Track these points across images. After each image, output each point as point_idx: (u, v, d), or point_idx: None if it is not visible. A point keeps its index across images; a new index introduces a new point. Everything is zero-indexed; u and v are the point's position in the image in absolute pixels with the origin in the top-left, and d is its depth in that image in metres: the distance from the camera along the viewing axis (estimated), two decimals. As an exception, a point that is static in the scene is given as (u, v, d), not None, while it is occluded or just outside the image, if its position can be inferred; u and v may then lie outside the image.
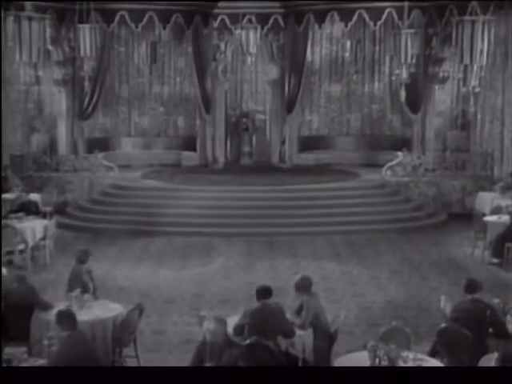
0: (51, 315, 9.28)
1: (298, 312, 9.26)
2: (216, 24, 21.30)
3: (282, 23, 21.18)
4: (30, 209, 16.16)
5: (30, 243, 14.79)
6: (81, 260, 10.64)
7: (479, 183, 19.60)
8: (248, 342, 8.21)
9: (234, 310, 10.06)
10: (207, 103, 21.97)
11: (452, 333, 8.60)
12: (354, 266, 14.97)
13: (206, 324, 8.00)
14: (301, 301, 9.31)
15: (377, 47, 22.76)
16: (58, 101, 21.50)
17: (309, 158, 22.65)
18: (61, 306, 9.66)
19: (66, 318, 7.99)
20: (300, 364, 8.68)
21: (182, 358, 9.77)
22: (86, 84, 20.39)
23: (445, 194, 19.88)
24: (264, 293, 8.90)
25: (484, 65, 18.35)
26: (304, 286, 9.31)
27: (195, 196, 19.03)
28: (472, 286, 9.10)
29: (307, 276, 9.50)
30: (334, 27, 22.47)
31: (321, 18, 20.46)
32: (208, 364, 7.85)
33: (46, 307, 9.54)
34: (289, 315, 9.08)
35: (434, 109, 21.29)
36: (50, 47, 19.88)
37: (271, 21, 20.86)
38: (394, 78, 20.93)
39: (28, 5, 18.40)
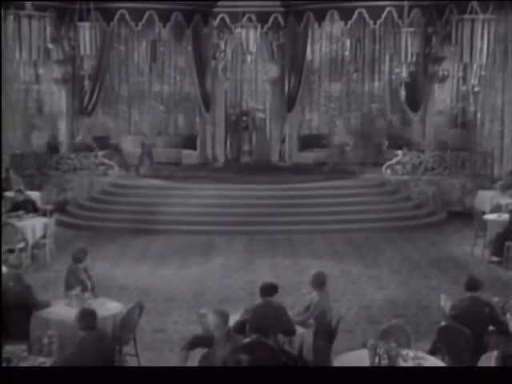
0: (51, 313, 9.32)
1: (307, 310, 9.26)
2: (216, 23, 21.28)
3: (281, 22, 21.15)
4: (26, 207, 16.13)
5: (30, 241, 14.82)
6: (78, 259, 10.64)
7: (479, 182, 19.61)
8: (248, 340, 8.21)
9: (234, 308, 10.06)
10: (207, 102, 21.97)
11: (452, 331, 8.61)
12: (354, 264, 14.99)
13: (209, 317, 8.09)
14: (310, 299, 9.32)
15: (377, 46, 22.73)
16: (58, 99, 21.51)
17: (309, 156, 22.63)
18: (61, 304, 9.71)
19: (88, 317, 8.03)
20: (297, 361, 8.70)
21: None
22: (86, 83, 20.42)
23: (444, 193, 19.90)
24: (269, 290, 8.89)
25: (484, 63, 18.36)
26: (318, 282, 9.32)
27: (195, 194, 19.05)
28: (473, 284, 9.10)
29: (322, 272, 9.54)
30: (334, 26, 22.44)
31: (321, 17, 20.43)
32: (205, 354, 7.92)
33: (41, 306, 9.54)
34: (291, 313, 9.09)
35: (434, 107, 21.29)
36: (49, 46, 19.92)
37: (271, 19, 20.83)
38: (393, 76, 20.95)
39: (28, 3, 18.40)
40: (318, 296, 9.25)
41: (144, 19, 20.10)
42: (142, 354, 9.67)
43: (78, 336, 8.04)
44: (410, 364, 7.54)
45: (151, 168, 21.04)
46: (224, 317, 8.02)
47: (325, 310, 9.16)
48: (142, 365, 9.47)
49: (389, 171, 20.11)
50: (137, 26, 20.28)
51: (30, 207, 16.35)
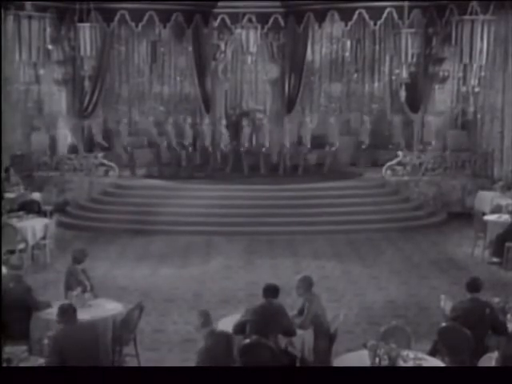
0: (51, 314, 9.30)
1: (301, 312, 9.25)
2: (216, 23, 21.26)
3: (282, 23, 21.12)
4: (31, 208, 16.16)
5: (31, 242, 14.81)
6: (77, 259, 10.64)
7: (479, 182, 19.62)
8: (248, 341, 8.20)
9: (234, 309, 10.08)
10: (207, 102, 21.94)
11: (452, 332, 8.60)
12: (354, 265, 14.99)
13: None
14: (303, 300, 9.31)
15: (377, 47, 22.68)
16: (58, 100, 21.51)
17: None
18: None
19: (66, 311, 8.03)
20: (298, 363, 8.69)
21: (182, 357, 9.81)
22: (86, 83, 20.41)
23: (445, 194, 19.91)
24: (272, 291, 8.87)
25: (484, 64, 18.41)
26: (304, 287, 9.27)
27: (195, 195, 19.05)
28: (474, 285, 9.06)
29: (308, 276, 9.45)
30: (334, 27, 22.37)
31: (321, 18, 20.42)
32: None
33: (42, 307, 9.52)
34: (290, 314, 9.07)
35: (434, 108, 21.28)
36: (49, 46, 19.92)
37: (271, 20, 20.81)
38: (394, 77, 20.92)
39: (28, 4, 18.41)
40: (307, 300, 9.20)
41: (144, 20, 20.07)
42: (141, 355, 9.66)
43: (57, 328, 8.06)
44: (410, 365, 7.53)
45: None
46: (203, 317, 7.98)
47: (318, 314, 9.12)
48: (142, 365, 9.46)
49: (389, 172, 20.11)
50: (137, 26, 20.25)
51: (35, 207, 16.42)
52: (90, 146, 21.48)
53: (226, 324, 8.89)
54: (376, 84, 23.06)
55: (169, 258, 15.57)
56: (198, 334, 8.06)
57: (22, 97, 20.88)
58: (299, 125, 21.47)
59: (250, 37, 19.97)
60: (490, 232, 15.11)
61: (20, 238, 14.49)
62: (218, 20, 21.05)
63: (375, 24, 19.83)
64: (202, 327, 7.94)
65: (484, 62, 18.34)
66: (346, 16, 19.96)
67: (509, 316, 9.14)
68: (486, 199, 17.81)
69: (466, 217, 17.81)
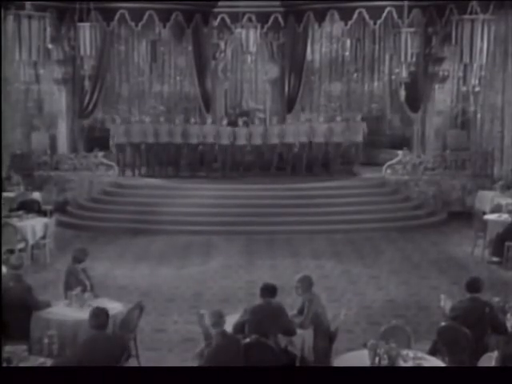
0: (51, 314, 9.31)
1: (301, 312, 9.26)
2: (216, 23, 21.30)
3: (281, 22, 21.15)
4: (32, 207, 16.16)
5: (30, 242, 14.81)
6: (78, 259, 10.62)
7: (479, 182, 19.63)
8: (248, 340, 8.20)
9: (233, 308, 10.07)
10: (207, 102, 21.96)
11: (452, 331, 8.60)
12: (354, 264, 14.98)
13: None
14: (302, 300, 9.31)
15: (377, 46, 22.70)
16: (58, 100, 21.51)
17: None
18: (61, 304, 9.69)
19: (99, 315, 8.00)
20: (298, 362, 8.69)
21: (182, 357, 9.81)
22: (86, 83, 20.41)
23: (445, 193, 19.92)
24: (269, 291, 8.86)
25: (484, 64, 18.40)
26: (304, 287, 9.27)
27: (195, 194, 19.05)
28: (474, 285, 9.05)
29: (307, 276, 9.44)
30: (334, 26, 22.43)
31: (321, 17, 20.46)
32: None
33: (42, 306, 9.52)
34: (290, 314, 9.08)
35: (434, 108, 21.29)
36: (49, 46, 19.93)
37: (271, 20, 20.84)
38: (393, 76, 20.93)
39: (28, 4, 18.41)
40: (307, 300, 9.21)
41: (144, 19, 20.11)
42: (141, 355, 9.65)
43: (88, 333, 8.02)
44: (410, 364, 7.54)
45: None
46: (214, 317, 7.97)
47: (318, 312, 9.13)
48: (142, 365, 9.46)
49: (389, 171, 20.12)
50: (137, 26, 20.29)
51: (35, 207, 16.42)
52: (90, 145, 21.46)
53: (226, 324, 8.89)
54: (376, 83, 23.08)
55: (169, 258, 15.56)
56: (207, 331, 8.02)
57: (22, 96, 20.89)
58: (299, 124, 21.45)
59: (250, 36, 19.95)
60: (490, 231, 15.11)
61: (20, 237, 14.50)
62: (218, 19, 21.09)
63: (375, 23, 19.88)
64: (212, 326, 7.93)
65: (484, 61, 18.33)
66: (345, 15, 20.00)
67: (508, 315, 9.13)
68: (486, 198, 17.82)
69: (465, 216, 17.83)
